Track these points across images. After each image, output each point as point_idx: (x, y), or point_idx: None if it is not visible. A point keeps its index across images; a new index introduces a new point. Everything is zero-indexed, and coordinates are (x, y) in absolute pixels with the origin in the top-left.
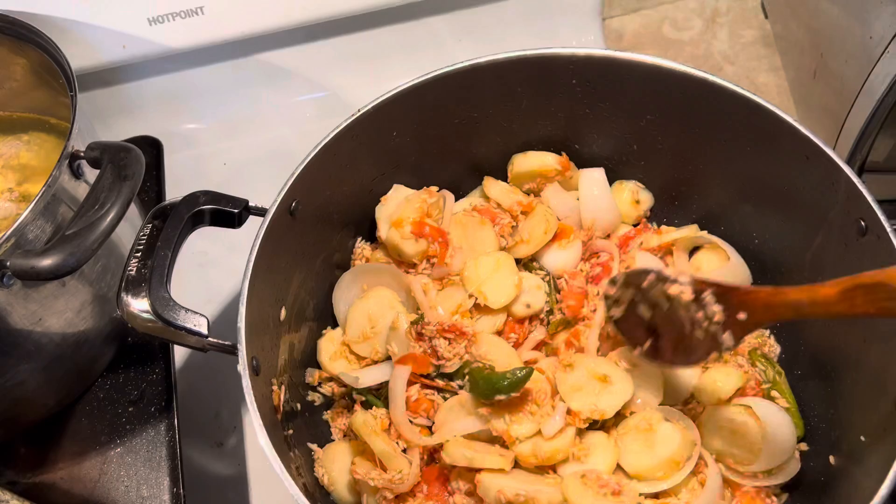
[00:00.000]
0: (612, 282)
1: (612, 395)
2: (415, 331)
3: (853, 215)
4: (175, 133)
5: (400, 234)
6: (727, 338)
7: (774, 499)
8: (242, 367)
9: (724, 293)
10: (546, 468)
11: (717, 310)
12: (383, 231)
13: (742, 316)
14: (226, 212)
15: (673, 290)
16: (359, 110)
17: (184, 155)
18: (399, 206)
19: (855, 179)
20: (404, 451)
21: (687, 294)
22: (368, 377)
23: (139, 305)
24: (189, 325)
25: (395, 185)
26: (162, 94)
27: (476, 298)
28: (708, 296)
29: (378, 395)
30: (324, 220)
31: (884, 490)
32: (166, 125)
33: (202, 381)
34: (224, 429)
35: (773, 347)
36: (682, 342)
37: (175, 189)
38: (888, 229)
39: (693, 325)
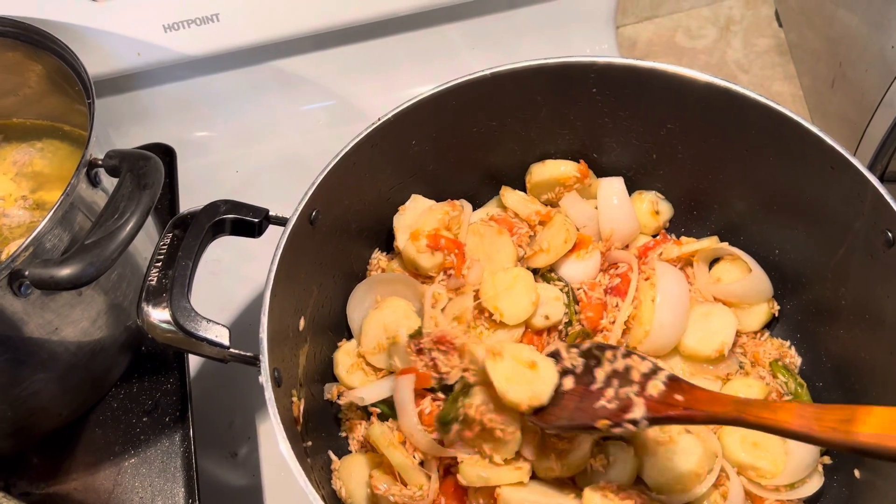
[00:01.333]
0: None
1: (542, 382)
2: (413, 344)
3: (880, 226)
4: (187, 140)
5: (416, 248)
6: (638, 408)
7: None
8: (265, 378)
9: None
10: (566, 479)
11: (654, 385)
12: (401, 241)
13: (678, 398)
14: (246, 221)
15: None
16: (379, 119)
17: (196, 163)
18: (419, 217)
19: (882, 190)
20: (421, 463)
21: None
22: (372, 393)
23: (159, 316)
24: (211, 336)
25: (413, 196)
26: (175, 102)
27: (493, 314)
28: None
29: (393, 406)
30: (342, 230)
31: None
32: (179, 132)
33: (216, 390)
34: (238, 439)
35: (794, 359)
36: (588, 397)
37: (187, 197)
38: None
39: (612, 378)
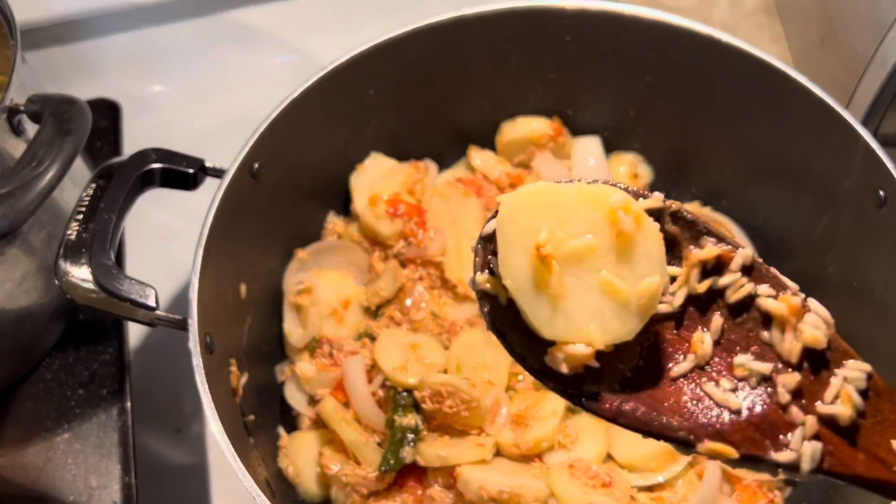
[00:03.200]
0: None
1: (425, 366)
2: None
3: (871, 185)
4: (137, 96)
5: (374, 213)
6: (805, 447)
7: (777, 493)
8: (193, 343)
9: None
10: (531, 457)
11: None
12: (359, 203)
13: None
14: (179, 172)
15: (774, 306)
16: (331, 63)
17: (146, 120)
18: (380, 180)
19: (874, 145)
20: (380, 444)
21: (818, 339)
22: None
23: (79, 274)
24: (135, 297)
25: (372, 154)
26: (123, 54)
27: (457, 286)
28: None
29: None
30: (292, 188)
31: None
32: (128, 87)
33: (161, 362)
34: (184, 414)
35: None
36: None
37: None
38: None
39: (734, 337)
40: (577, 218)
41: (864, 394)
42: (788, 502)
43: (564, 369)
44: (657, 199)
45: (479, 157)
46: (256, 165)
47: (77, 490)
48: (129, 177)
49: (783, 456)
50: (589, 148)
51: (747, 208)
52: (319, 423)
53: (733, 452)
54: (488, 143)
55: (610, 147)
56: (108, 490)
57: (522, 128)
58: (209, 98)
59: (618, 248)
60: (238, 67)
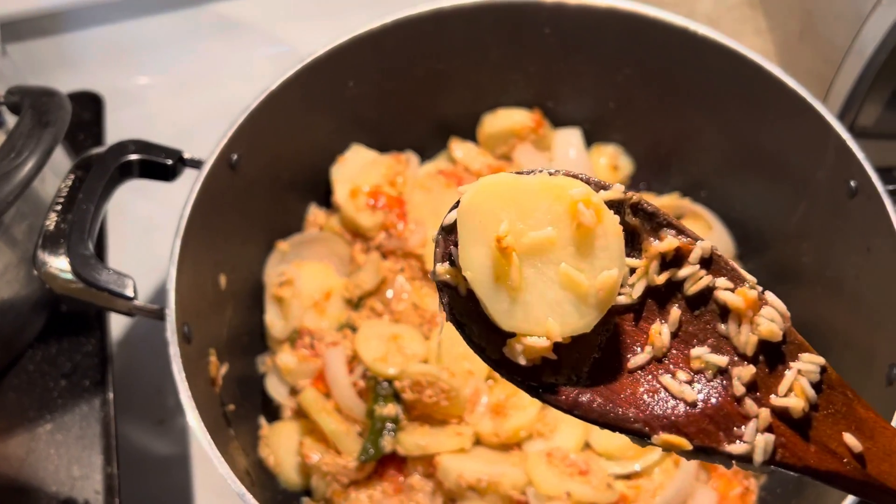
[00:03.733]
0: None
1: (406, 357)
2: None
3: (842, 176)
4: (120, 89)
5: (355, 206)
6: (759, 439)
7: (753, 480)
8: (170, 332)
9: (841, 390)
10: (511, 446)
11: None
12: (340, 195)
13: (843, 436)
14: (157, 163)
15: (732, 299)
16: (310, 55)
17: (129, 112)
18: (360, 171)
19: (845, 136)
20: (360, 434)
21: (774, 332)
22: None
23: (58, 264)
24: (112, 287)
25: (353, 146)
26: (106, 47)
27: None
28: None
29: None
30: (272, 179)
31: None
32: (111, 80)
33: (144, 354)
34: (166, 406)
35: None
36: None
37: None
38: (880, 189)
39: (691, 328)
40: (538, 210)
41: (817, 387)
42: (763, 490)
43: (522, 361)
44: (618, 190)
45: (460, 148)
46: (235, 157)
47: (59, 480)
48: (107, 168)
49: (736, 448)
50: (570, 139)
51: (725, 199)
52: (300, 414)
53: (687, 444)
54: (470, 134)
55: (590, 139)
56: (90, 480)
57: (504, 120)
58: (193, 90)
59: (578, 241)
60: (222, 59)
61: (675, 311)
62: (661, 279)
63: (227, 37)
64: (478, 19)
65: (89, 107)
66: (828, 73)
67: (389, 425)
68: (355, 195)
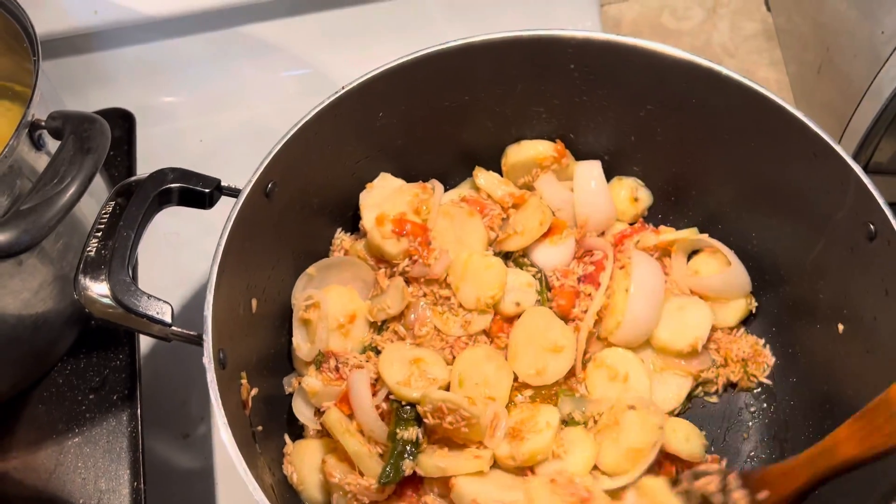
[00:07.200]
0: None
1: (428, 381)
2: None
3: (861, 218)
4: (150, 106)
5: (381, 233)
6: None
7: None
8: (207, 359)
9: (746, 476)
10: (525, 469)
11: (739, 496)
12: (367, 221)
13: (763, 495)
14: (196, 191)
15: (700, 483)
16: (343, 87)
17: (158, 130)
18: (388, 198)
19: (866, 180)
20: (381, 456)
21: (713, 484)
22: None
23: (98, 289)
24: (151, 313)
25: (382, 174)
26: (137, 65)
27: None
28: (732, 481)
29: None
30: (302, 205)
31: None
32: (141, 98)
33: (169, 368)
34: (191, 419)
35: (767, 358)
36: None
37: (147, 165)
38: None
39: None
40: None
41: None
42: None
43: None
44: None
45: (483, 177)
46: (270, 185)
47: (87, 493)
48: (147, 195)
49: None
50: (591, 171)
51: (742, 234)
52: (324, 433)
53: None
54: (494, 164)
55: (610, 170)
56: (117, 494)
57: (527, 150)
58: (221, 110)
59: None
60: (250, 80)
61: None
62: None
63: (254, 58)
64: (506, 54)
65: (121, 124)
66: (844, 108)
67: (410, 448)
68: (381, 223)
